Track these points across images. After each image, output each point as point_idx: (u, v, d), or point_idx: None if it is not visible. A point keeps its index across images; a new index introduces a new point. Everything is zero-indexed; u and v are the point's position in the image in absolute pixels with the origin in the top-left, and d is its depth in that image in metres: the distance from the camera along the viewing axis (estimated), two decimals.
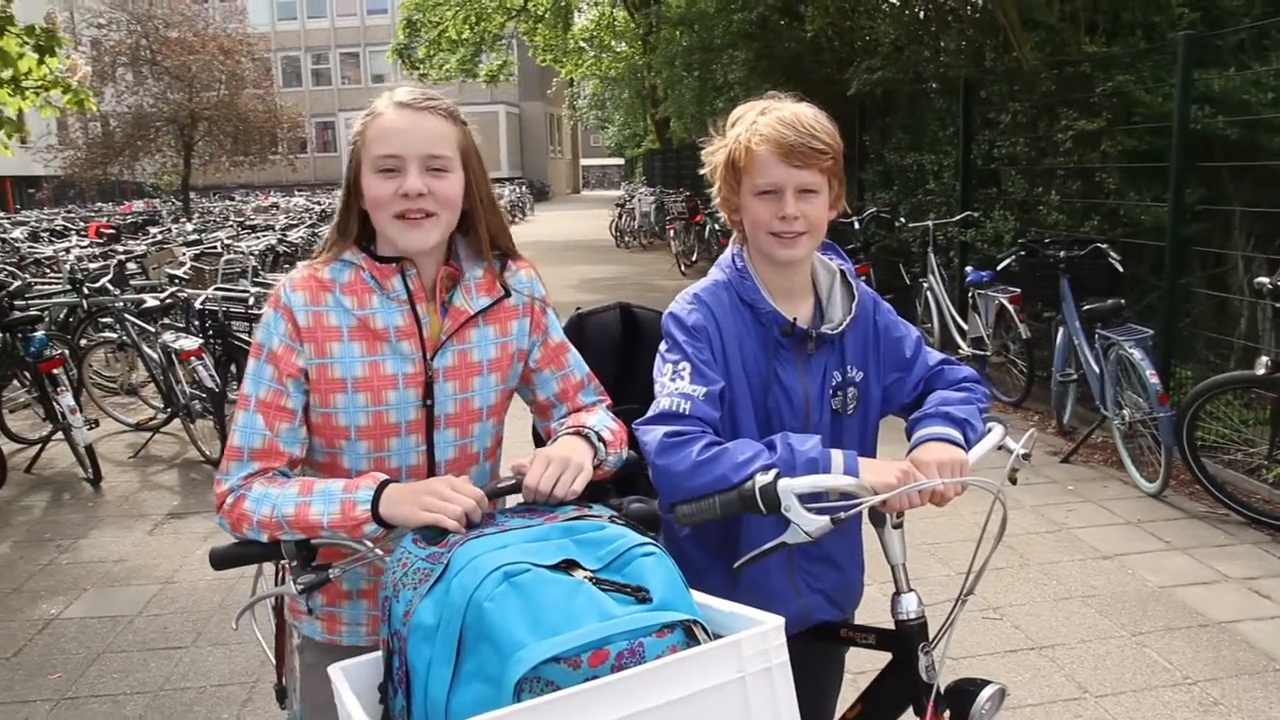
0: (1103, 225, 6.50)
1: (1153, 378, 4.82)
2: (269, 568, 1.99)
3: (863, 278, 8.44)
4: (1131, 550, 4.35)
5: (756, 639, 1.17)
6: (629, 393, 1.83)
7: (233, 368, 6.34)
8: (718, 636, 1.20)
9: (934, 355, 1.87)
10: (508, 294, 1.70)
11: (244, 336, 6.27)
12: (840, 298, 1.79)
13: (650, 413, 1.65)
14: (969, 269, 7.09)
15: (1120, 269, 5.72)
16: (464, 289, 1.66)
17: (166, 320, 6.56)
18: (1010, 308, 6.41)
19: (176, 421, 6.37)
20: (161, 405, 6.59)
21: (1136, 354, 4.90)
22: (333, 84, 48.31)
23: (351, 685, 1.25)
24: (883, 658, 1.74)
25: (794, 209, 1.66)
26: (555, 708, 1.04)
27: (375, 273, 1.61)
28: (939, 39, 9.15)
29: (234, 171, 24.66)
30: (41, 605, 4.11)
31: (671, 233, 16.90)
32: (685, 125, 18.25)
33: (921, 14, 9.31)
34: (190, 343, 5.79)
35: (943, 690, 1.65)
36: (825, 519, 1.48)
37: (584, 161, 67.10)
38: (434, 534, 1.33)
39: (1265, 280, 4.52)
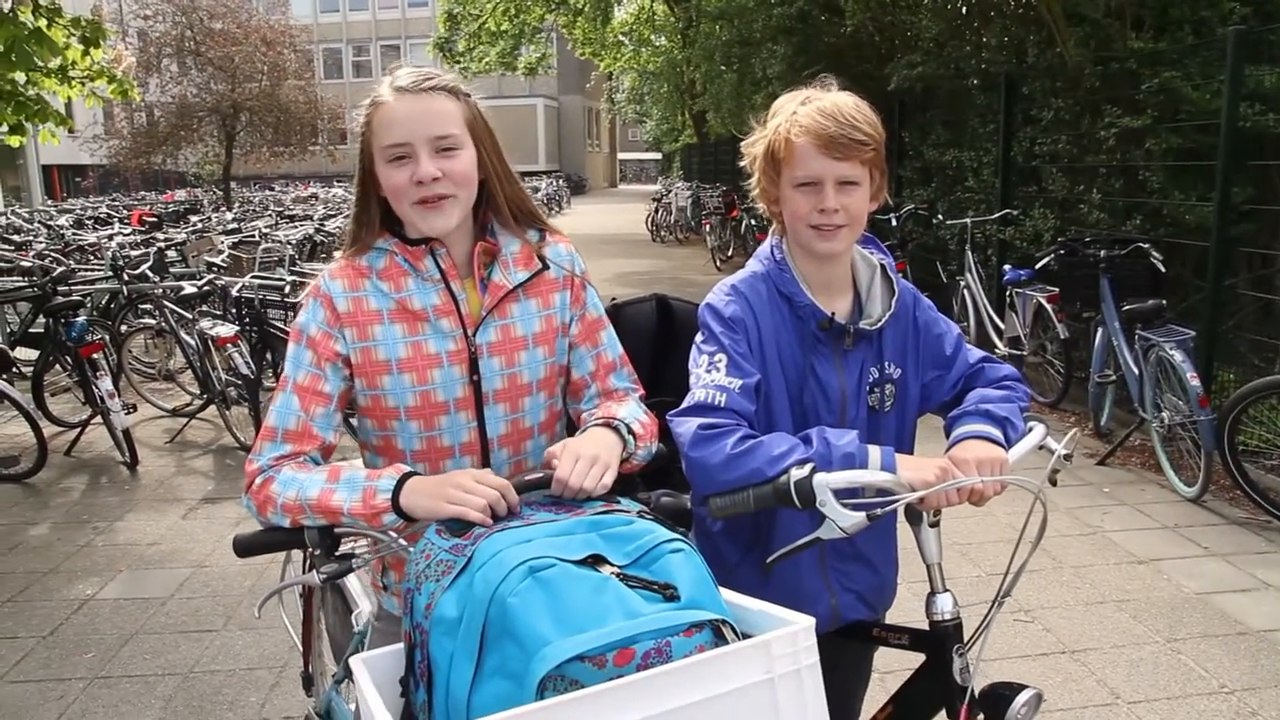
0: (1145, 224, 6.37)
1: (1194, 380, 4.71)
2: (298, 554, 1.99)
3: (900, 275, 8.32)
4: (1168, 555, 4.26)
5: (786, 639, 1.14)
6: (663, 385, 1.81)
7: (268, 355, 6.41)
8: (746, 636, 1.18)
9: (974, 353, 1.84)
10: (546, 266, 1.69)
11: (279, 324, 6.34)
12: (880, 293, 1.76)
13: (685, 404, 1.63)
14: (1007, 267, 6.99)
15: (1162, 269, 5.60)
16: (501, 264, 1.66)
17: (204, 307, 6.65)
18: (1048, 307, 6.31)
19: (212, 408, 6.45)
20: (198, 391, 6.68)
21: (1177, 356, 4.80)
22: (374, 76, 48.58)
23: (373, 677, 1.23)
24: (912, 658, 1.72)
25: (834, 202, 1.63)
26: (579, 706, 1.02)
27: (407, 255, 1.62)
28: (981, 34, 9.01)
29: (274, 162, 24.91)
30: (77, 585, 4.18)
31: (707, 228, 16.85)
32: (723, 120, 18.15)
33: (964, 8, 9.16)
34: (226, 330, 5.86)
35: (977, 694, 1.62)
36: (861, 515, 1.46)
37: (621, 155, 67.08)
38: (458, 526, 1.31)
39: None
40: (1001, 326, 7.18)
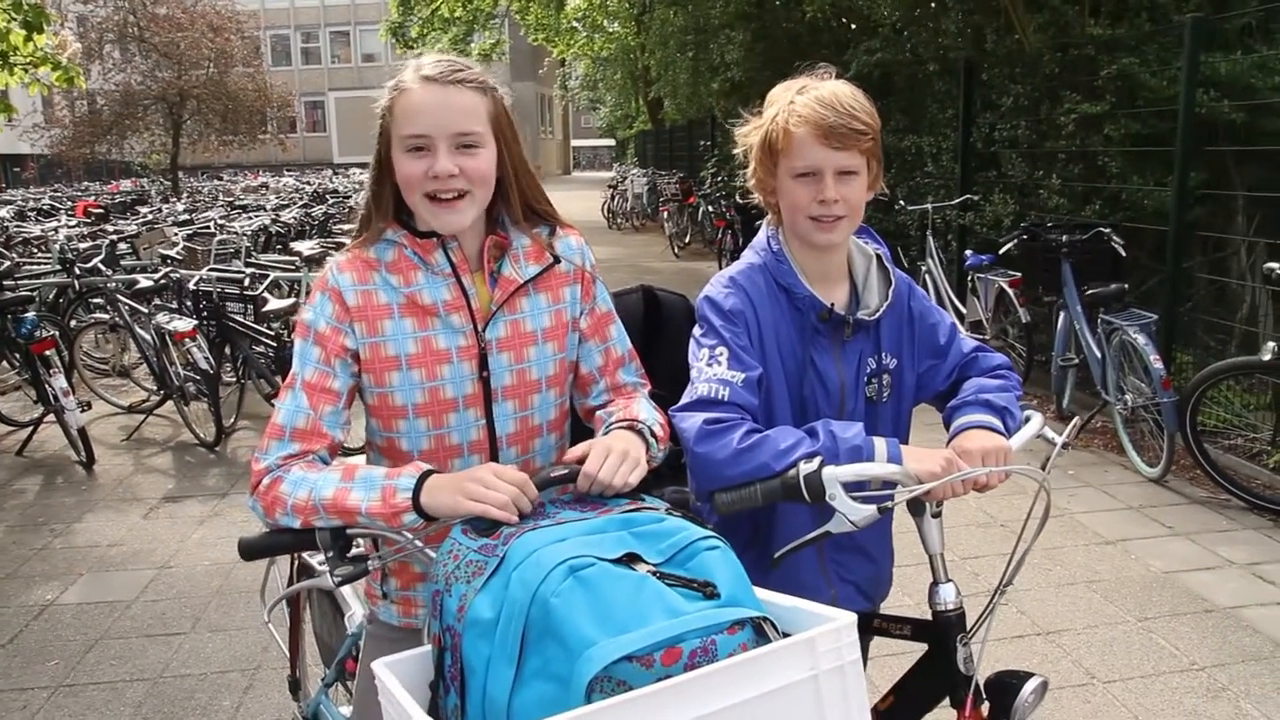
0: (1104, 209, 6.47)
1: (1156, 363, 4.80)
2: (283, 558, 1.94)
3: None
4: (1134, 536, 4.34)
5: (830, 636, 1.13)
6: (650, 377, 1.79)
7: (227, 349, 6.27)
8: (785, 634, 1.17)
9: (968, 342, 1.84)
10: (557, 260, 1.66)
11: (238, 317, 6.20)
12: (876, 283, 1.75)
13: (687, 399, 1.61)
14: (968, 252, 7.06)
15: (1123, 253, 5.69)
16: (512, 258, 1.63)
17: (159, 301, 6.48)
18: (1010, 291, 6.38)
19: (169, 404, 6.31)
20: (154, 387, 6.52)
21: (1140, 339, 4.88)
22: (323, 63, 47.89)
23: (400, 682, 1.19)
24: (904, 646, 1.71)
25: (834, 192, 1.61)
26: (631, 708, 1.00)
27: (417, 249, 1.59)
28: (939, 20, 9.08)
29: (223, 151, 24.47)
30: (36, 590, 4.06)
31: (665, 215, 16.81)
32: (679, 106, 18.15)
33: None
34: (185, 324, 5.73)
35: (981, 683, 1.62)
36: (872, 508, 1.45)
37: (575, 142, 66.72)
38: (485, 525, 1.28)
39: (1275, 265, 4.49)
40: (964, 311, 7.26)
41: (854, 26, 10.13)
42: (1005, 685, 1.61)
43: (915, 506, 1.58)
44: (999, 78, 7.74)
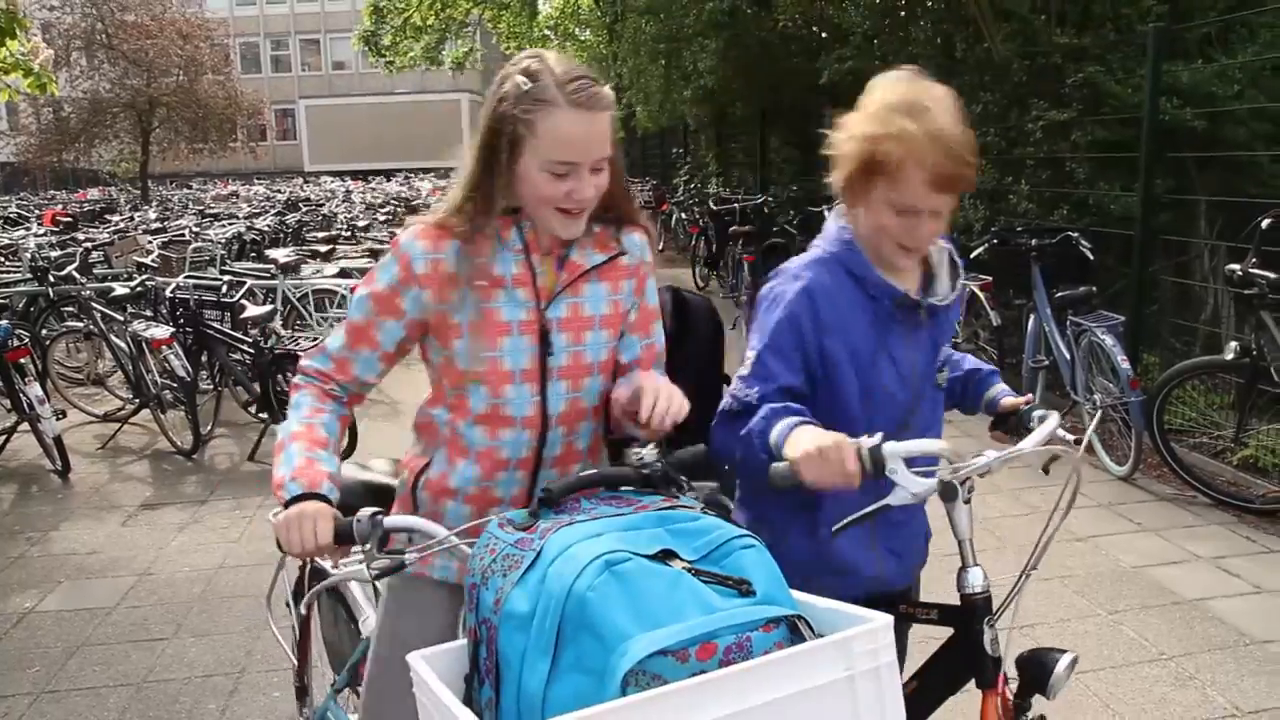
0: (1072, 214, 6.60)
1: (1124, 363, 4.91)
2: (292, 564, 1.94)
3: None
4: (1104, 532, 4.43)
5: (866, 637, 1.13)
6: (673, 376, 1.82)
7: (204, 357, 6.25)
8: (819, 635, 1.17)
9: None
10: (622, 252, 1.73)
11: (215, 325, 6.19)
12: (946, 274, 1.80)
13: (738, 387, 1.69)
14: None
15: (1091, 257, 5.81)
16: (580, 244, 1.68)
17: (134, 309, 6.45)
18: (981, 295, 6.48)
19: (145, 412, 6.27)
20: (129, 396, 6.48)
21: (1108, 340, 4.99)
22: (293, 71, 47.56)
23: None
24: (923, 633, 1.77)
25: (927, 229, 1.65)
26: (666, 702, 1.01)
27: (496, 223, 1.63)
28: (909, 29, 9.22)
29: (193, 159, 24.29)
30: (14, 598, 4.04)
31: None
32: (651, 114, 18.21)
33: (893, 3, 9.37)
34: (162, 332, 5.71)
35: (1015, 661, 1.67)
36: (933, 481, 1.51)
37: None
38: (522, 519, 1.29)
39: (1237, 268, 4.62)
40: None
41: (825, 35, 10.25)
42: (1039, 662, 1.66)
43: (949, 491, 1.60)
44: (969, 85, 7.85)
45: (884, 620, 1.16)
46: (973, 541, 1.68)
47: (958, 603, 1.69)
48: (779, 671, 1.07)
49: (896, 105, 1.63)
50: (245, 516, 4.88)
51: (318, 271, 7.94)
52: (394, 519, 1.47)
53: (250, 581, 4.10)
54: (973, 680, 1.69)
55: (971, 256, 6.45)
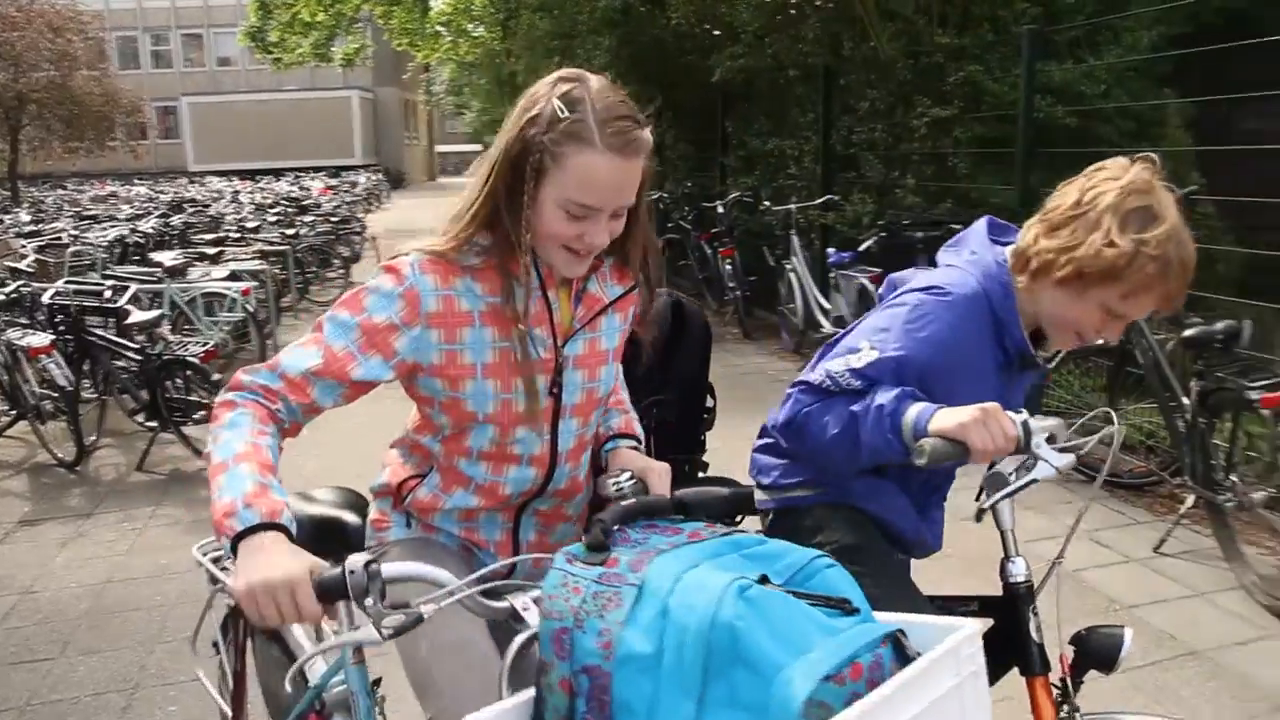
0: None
1: None
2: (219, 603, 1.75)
3: (728, 260, 8.44)
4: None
5: (968, 642, 1.13)
6: (667, 384, 1.84)
7: (86, 365, 6.00)
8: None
9: None
10: (635, 285, 1.66)
11: (98, 331, 5.94)
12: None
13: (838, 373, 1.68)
14: (830, 251, 7.33)
15: None
16: (599, 276, 1.61)
17: (7, 316, 6.15)
18: (871, 287, 6.67)
19: (23, 423, 5.99)
20: (5, 407, 6.18)
21: None
22: (174, 67, 45.81)
23: None
24: None
25: (1116, 330, 1.70)
26: None
27: (508, 259, 1.52)
28: (799, 28, 9.43)
29: (68, 158, 23.19)
30: None
31: None
32: None
33: (783, 2, 9.56)
34: (39, 339, 5.46)
35: (1069, 640, 1.71)
36: (1072, 456, 1.56)
37: (440, 148, 65.73)
38: (593, 554, 1.17)
39: None
40: (828, 307, 7.55)
41: (717, 33, 10.39)
42: (1099, 638, 1.70)
43: (997, 482, 1.62)
44: (856, 83, 8.10)
45: (973, 626, 1.16)
46: (1015, 532, 1.70)
47: (998, 593, 1.73)
48: (918, 686, 1.06)
49: (1169, 234, 1.58)
50: (134, 529, 4.71)
51: (206, 274, 7.70)
52: (394, 568, 1.24)
53: (141, 595, 3.97)
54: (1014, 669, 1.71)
55: (861, 250, 6.66)
